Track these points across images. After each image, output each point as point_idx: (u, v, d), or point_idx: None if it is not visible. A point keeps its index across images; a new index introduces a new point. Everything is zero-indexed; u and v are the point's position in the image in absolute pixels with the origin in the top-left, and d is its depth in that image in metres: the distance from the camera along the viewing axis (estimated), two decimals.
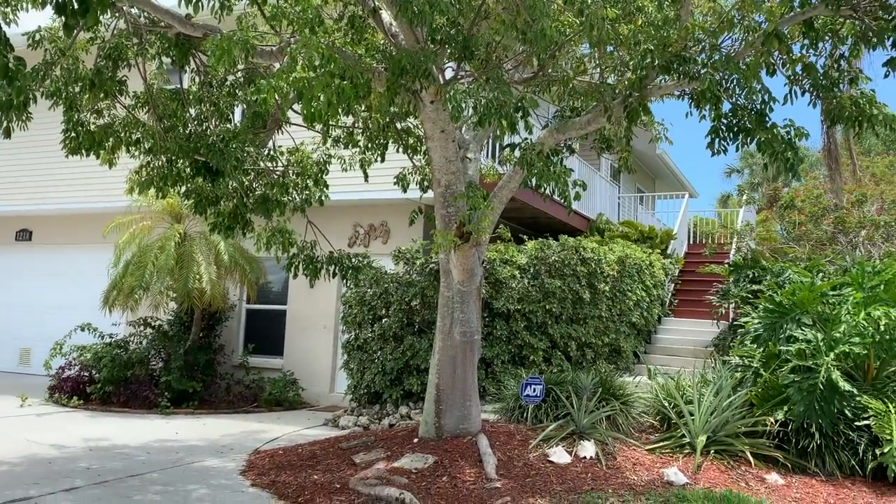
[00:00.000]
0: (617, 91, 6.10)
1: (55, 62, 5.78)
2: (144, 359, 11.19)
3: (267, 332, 13.37)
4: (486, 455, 6.56)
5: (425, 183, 8.41)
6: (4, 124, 6.03)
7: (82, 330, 11.27)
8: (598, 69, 6.63)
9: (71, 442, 8.31)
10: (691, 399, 7.45)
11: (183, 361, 11.22)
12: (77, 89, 6.64)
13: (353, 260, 7.92)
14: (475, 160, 7.58)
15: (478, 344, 7.22)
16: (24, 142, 14.96)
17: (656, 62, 5.22)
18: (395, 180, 8.15)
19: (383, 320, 10.09)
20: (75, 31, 6.44)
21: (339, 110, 5.46)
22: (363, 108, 7.48)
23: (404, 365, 9.79)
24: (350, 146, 8.32)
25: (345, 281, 8.09)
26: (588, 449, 6.85)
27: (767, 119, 5.85)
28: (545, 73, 6.44)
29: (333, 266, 7.89)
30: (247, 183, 8.40)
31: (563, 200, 5.95)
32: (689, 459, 6.92)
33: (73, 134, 7.08)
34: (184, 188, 8.18)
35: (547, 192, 5.81)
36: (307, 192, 7.92)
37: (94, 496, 6.10)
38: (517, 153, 6.37)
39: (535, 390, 7.55)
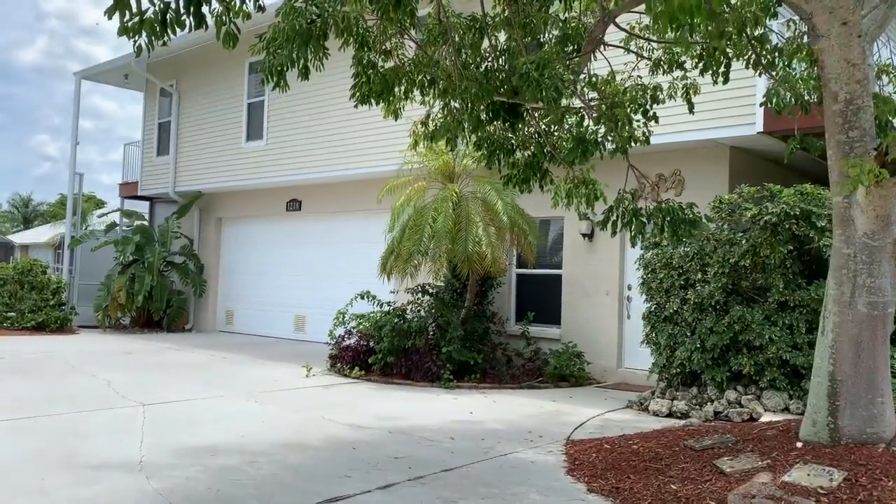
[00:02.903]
0: None
1: None
2: (423, 328, 10.47)
3: (540, 298, 12.20)
4: None
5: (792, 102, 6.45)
6: (301, 63, 5.19)
7: (362, 298, 10.82)
8: None
9: (366, 421, 7.66)
10: None
11: (462, 331, 10.36)
12: (371, 22, 5.67)
13: (689, 212, 6.28)
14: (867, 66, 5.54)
15: (891, 318, 5.27)
16: (293, 113, 15.12)
17: None
18: (763, 100, 6.26)
19: (697, 286, 8.36)
20: None
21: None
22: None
23: (731, 341, 8.01)
24: (675, 69, 6.64)
25: (676, 237, 6.46)
26: None
27: None
28: None
29: (663, 219, 6.30)
30: (544, 126, 7.12)
31: None
32: None
33: (363, 78, 6.15)
34: (474, 137, 7.11)
35: None
36: (627, 129, 6.40)
37: (414, 497, 5.17)
38: None
39: None
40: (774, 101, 6.00)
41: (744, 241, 8.08)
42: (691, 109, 6.85)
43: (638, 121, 6.37)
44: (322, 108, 14.50)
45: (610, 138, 6.38)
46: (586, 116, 6.42)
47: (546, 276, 12.18)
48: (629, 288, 11.12)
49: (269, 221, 17.09)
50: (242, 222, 17.83)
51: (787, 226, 7.67)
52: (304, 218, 16.20)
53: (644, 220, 6.30)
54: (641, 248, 9.39)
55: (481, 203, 10.33)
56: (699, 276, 8.35)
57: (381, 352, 10.47)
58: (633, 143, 6.45)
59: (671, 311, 8.56)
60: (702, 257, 8.37)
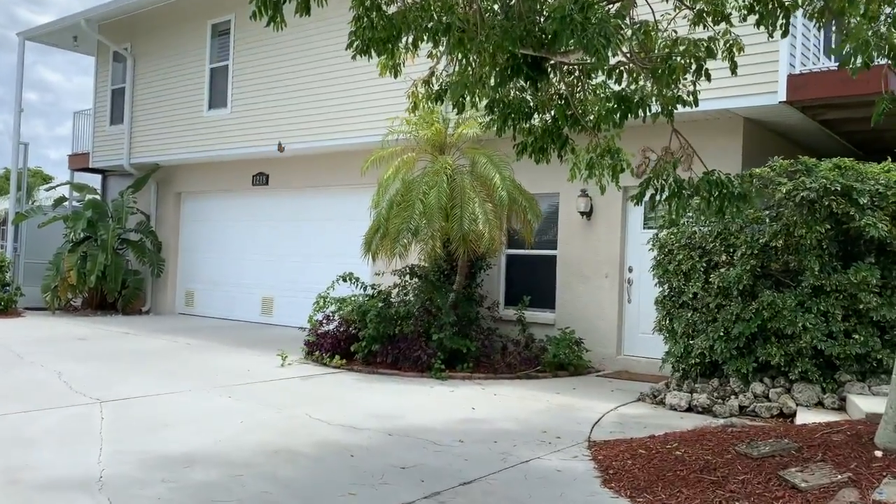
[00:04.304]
0: None
1: None
2: (411, 313, 9.57)
3: (532, 281, 11.40)
4: None
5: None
6: None
7: (344, 280, 9.86)
8: None
9: (359, 420, 6.77)
10: None
11: (454, 316, 9.50)
12: None
13: (738, 185, 5.47)
14: None
15: None
16: (260, 79, 13.93)
17: None
18: (844, 55, 5.40)
19: (720, 269, 7.63)
20: None
21: None
22: None
23: (759, 329, 7.31)
24: (720, 21, 5.80)
25: (722, 214, 5.63)
26: None
27: None
28: None
29: (710, 193, 5.49)
30: (566, 86, 6.25)
31: None
32: None
33: (365, 22, 5.18)
34: (485, 99, 6.21)
35: None
36: (677, 88, 5.57)
37: None
38: None
39: None
40: (862, 55, 5.09)
41: (768, 220, 7.38)
42: (734, 70, 6.02)
43: (684, 79, 5.53)
44: (294, 73, 13.38)
45: (654, 98, 5.54)
46: (625, 72, 5.56)
47: (538, 256, 11.37)
48: (630, 270, 10.39)
49: (233, 196, 15.93)
50: (204, 197, 16.61)
51: (825, 203, 6.97)
52: (272, 193, 15.09)
53: (689, 193, 5.50)
54: (655, 227, 8.64)
55: (477, 177, 9.44)
56: (723, 257, 7.62)
57: (365, 339, 9.55)
58: (677, 105, 5.62)
59: (690, 295, 7.83)
60: (725, 237, 7.64)
